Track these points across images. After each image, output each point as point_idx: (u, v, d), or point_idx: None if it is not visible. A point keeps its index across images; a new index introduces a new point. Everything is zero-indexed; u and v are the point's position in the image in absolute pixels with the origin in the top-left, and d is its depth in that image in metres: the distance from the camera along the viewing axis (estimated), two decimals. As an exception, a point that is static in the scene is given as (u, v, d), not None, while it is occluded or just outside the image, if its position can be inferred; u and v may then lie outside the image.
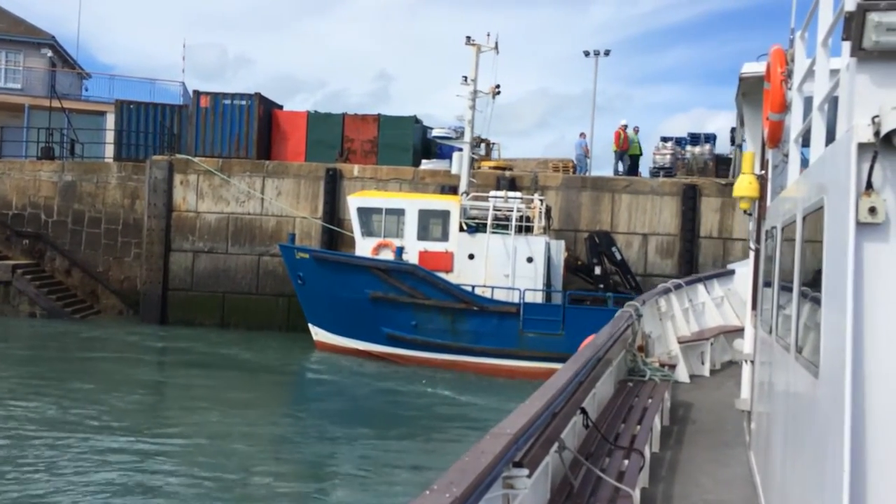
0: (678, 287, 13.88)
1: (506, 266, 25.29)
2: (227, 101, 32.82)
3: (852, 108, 3.17)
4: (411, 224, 26.37)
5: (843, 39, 3.24)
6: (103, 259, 33.29)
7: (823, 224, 3.61)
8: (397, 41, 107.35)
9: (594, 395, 7.45)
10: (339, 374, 24.25)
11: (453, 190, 28.52)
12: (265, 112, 33.31)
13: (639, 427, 7.25)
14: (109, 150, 35.59)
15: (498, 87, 27.87)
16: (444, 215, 26.25)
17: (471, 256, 25.66)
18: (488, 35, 27.73)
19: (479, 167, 31.61)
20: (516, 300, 24.38)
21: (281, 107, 35.34)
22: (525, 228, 25.64)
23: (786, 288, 5.11)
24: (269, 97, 34.18)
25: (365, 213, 26.91)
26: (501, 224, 25.73)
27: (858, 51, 3.09)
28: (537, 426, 4.48)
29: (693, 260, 29.06)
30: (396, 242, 26.02)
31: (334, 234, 30.85)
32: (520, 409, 4.57)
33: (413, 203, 26.80)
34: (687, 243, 28.96)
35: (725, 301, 15.29)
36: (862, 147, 3.05)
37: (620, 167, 31.58)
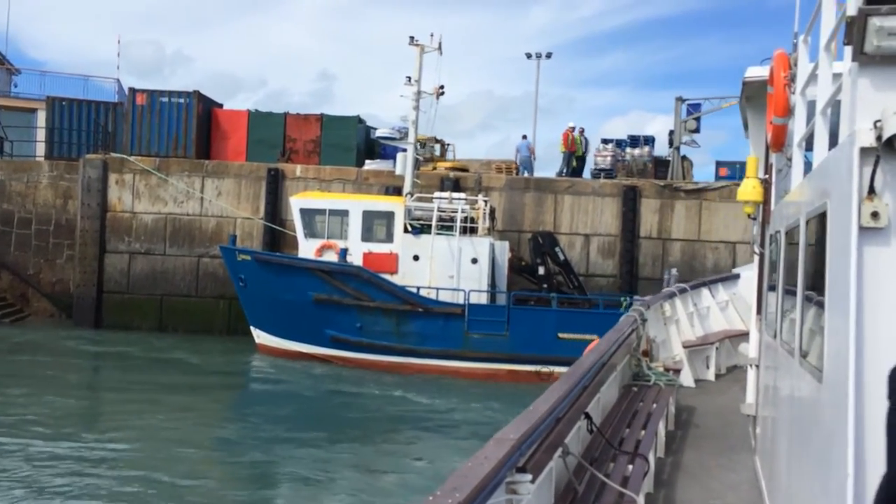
0: (683, 291, 13.70)
1: (450, 267, 25.32)
2: (165, 99, 32.06)
3: (854, 112, 3.17)
4: (355, 225, 26.18)
5: (845, 44, 3.23)
6: (34, 261, 32.13)
7: (826, 228, 3.60)
8: (340, 41, 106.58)
9: (598, 400, 7.42)
10: (282, 377, 23.93)
11: (397, 191, 28.43)
12: (204, 110, 32.65)
13: (643, 432, 7.22)
14: (41, 149, 34.37)
15: (442, 87, 27.89)
16: (389, 216, 26.14)
17: (415, 258, 25.61)
18: (431, 35, 27.75)
19: (434, 168, 31.68)
20: (461, 301, 24.43)
21: (221, 105, 34.70)
22: (469, 229, 25.71)
23: (790, 292, 5.08)
24: (209, 96, 33.50)
25: (308, 214, 26.60)
26: (446, 225, 25.75)
27: (860, 55, 3.09)
28: (541, 431, 4.45)
29: (633, 260, 29.58)
30: (340, 244, 25.79)
31: (276, 235, 30.42)
32: (523, 415, 4.51)
33: (357, 204, 26.62)
34: (627, 244, 29.45)
35: (730, 305, 15.18)
36: (864, 151, 3.05)
37: (568, 168, 31.91)
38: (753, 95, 8.70)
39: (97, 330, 29.85)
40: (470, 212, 26.04)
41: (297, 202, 26.96)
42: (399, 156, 27.82)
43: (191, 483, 14.01)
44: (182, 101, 32.04)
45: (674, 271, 26.24)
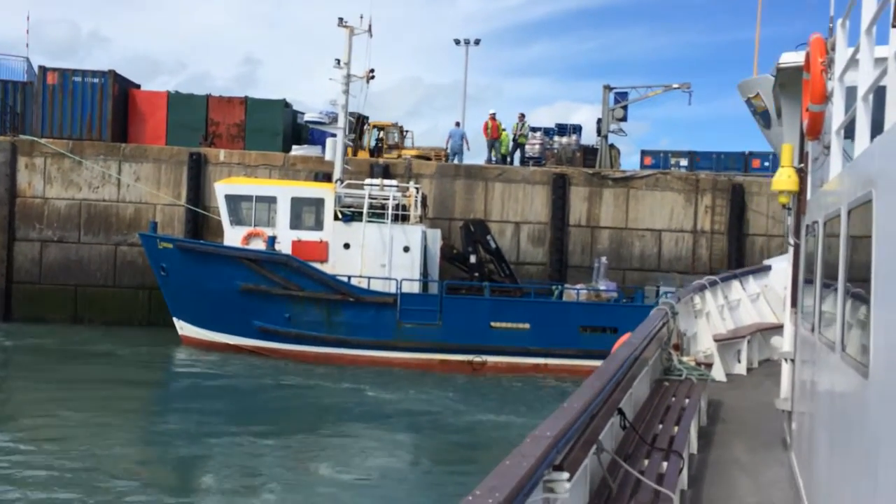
0: (713, 284, 13.33)
1: (382, 256, 24.94)
2: (78, 79, 30.45)
3: None
4: (283, 212, 25.50)
5: (894, 26, 3.08)
6: (-65, 249, 30.13)
7: (872, 218, 3.43)
8: (264, 24, 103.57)
9: (631, 396, 7.23)
10: (207, 370, 23.13)
11: (327, 177, 27.81)
12: (121, 91, 31.18)
13: (676, 428, 7.04)
14: (-59, 130, 32.19)
15: (372, 71, 27.36)
16: (319, 203, 25.54)
17: (346, 246, 25.12)
18: (361, 17, 27.14)
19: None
20: (393, 290, 24.09)
21: (138, 86, 33.22)
22: (401, 217, 25.35)
23: (829, 284, 4.91)
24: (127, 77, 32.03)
25: (233, 200, 25.75)
26: (377, 213, 25.33)
27: None
28: (576, 428, 4.35)
29: (563, 248, 29.80)
30: (268, 231, 25.07)
31: (200, 222, 29.37)
32: (559, 412, 4.42)
33: (285, 190, 25.91)
34: (557, 231, 29.63)
35: (761, 297, 14.86)
36: None
37: (494, 156, 31.82)
38: (787, 82, 8.45)
39: (7, 322, 28.26)
40: (402, 199, 25.68)
41: (222, 188, 26.05)
42: (329, 141, 27.17)
43: (114, 483, 13.33)
44: (96, 80, 30.50)
45: (603, 259, 26.56)
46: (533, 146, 33.11)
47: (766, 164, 34.01)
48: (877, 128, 3.84)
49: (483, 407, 19.86)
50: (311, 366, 23.56)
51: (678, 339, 10.66)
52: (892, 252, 3.03)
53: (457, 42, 39.30)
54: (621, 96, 32.79)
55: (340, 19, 27.01)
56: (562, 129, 34.10)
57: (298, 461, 15.32)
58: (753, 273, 15.35)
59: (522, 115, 32.34)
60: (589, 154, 32.64)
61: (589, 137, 34.52)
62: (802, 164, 7.92)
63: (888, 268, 3.12)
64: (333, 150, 26.82)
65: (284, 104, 32.47)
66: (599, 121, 33.01)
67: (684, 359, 10.28)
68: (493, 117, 31.92)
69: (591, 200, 30.01)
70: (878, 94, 3.83)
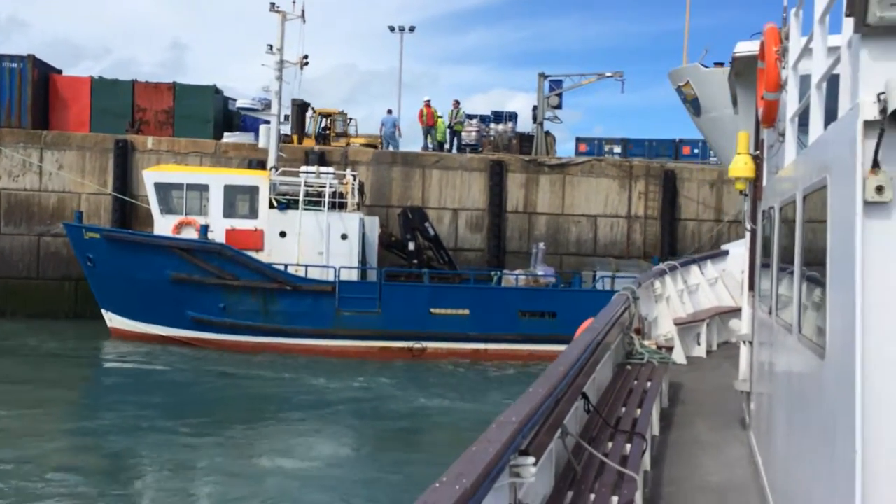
0: (673, 269, 13.55)
1: (320, 244, 24.57)
2: (-6, 63, 29.03)
3: (856, 85, 3.10)
4: (216, 200, 24.86)
5: (847, 15, 3.15)
6: None
7: (826, 204, 3.52)
8: (192, 8, 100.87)
9: (594, 380, 7.30)
10: (139, 362, 22.42)
11: (261, 164, 27.23)
12: (41, 76, 29.87)
13: (639, 410, 7.15)
14: None
15: (306, 57, 26.84)
16: (253, 191, 24.99)
17: (282, 234, 24.66)
18: (294, 2, 26.59)
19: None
20: (331, 279, 23.77)
21: (60, 71, 31.90)
22: (338, 205, 25.01)
23: (786, 268, 5.00)
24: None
25: (163, 188, 24.98)
26: (314, 200, 24.92)
27: (862, 27, 3.02)
28: (541, 413, 4.40)
29: (501, 234, 29.91)
30: (200, 220, 24.41)
31: (127, 211, 28.42)
32: (524, 397, 4.44)
33: (218, 178, 25.26)
34: (495, 217, 29.72)
35: (720, 281, 15.14)
36: (868, 125, 2.97)
37: (430, 143, 31.69)
38: (743, 71, 8.57)
39: (-80, 318, 26.83)
40: (339, 186, 25.32)
41: (151, 176, 25.24)
42: (262, 128, 26.59)
43: (45, 483, 12.76)
44: (14, 65, 29.15)
45: (541, 245, 26.75)
46: (469, 133, 33.14)
47: (696, 150, 34.89)
48: (830, 115, 3.91)
49: (424, 393, 19.78)
50: (248, 356, 23.08)
51: (640, 323, 10.80)
52: (846, 236, 3.11)
53: (391, 29, 39.00)
54: (556, 84, 33.06)
55: (272, 4, 26.42)
56: (498, 117, 34.22)
57: (239, 453, 14.96)
58: (712, 258, 15.59)
59: (457, 102, 32.27)
60: (525, 141, 32.85)
61: (525, 125, 34.80)
62: (758, 151, 8.03)
63: (842, 251, 3.19)
64: (267, 136, 26.26)
65: (215, 90, 31.66)
66: (535, 108, 33.23)
67: (646, 343, 10.42)
68: (428, 104, 31.77)
69: (528, 187, 30.19)
70: (832, 82, 3.90)
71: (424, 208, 28.34)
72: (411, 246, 26.22)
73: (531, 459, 3.97)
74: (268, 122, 26.56)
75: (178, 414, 17.43)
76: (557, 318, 24.14)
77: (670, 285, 13.04)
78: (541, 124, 32.69)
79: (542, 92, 32.74)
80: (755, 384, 7.44)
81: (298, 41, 26.92)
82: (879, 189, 2.96)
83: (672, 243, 30.81)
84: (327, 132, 32.15)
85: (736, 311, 11.27)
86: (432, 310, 23.96)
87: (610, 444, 5.98)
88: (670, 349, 11.10)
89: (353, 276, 24.38)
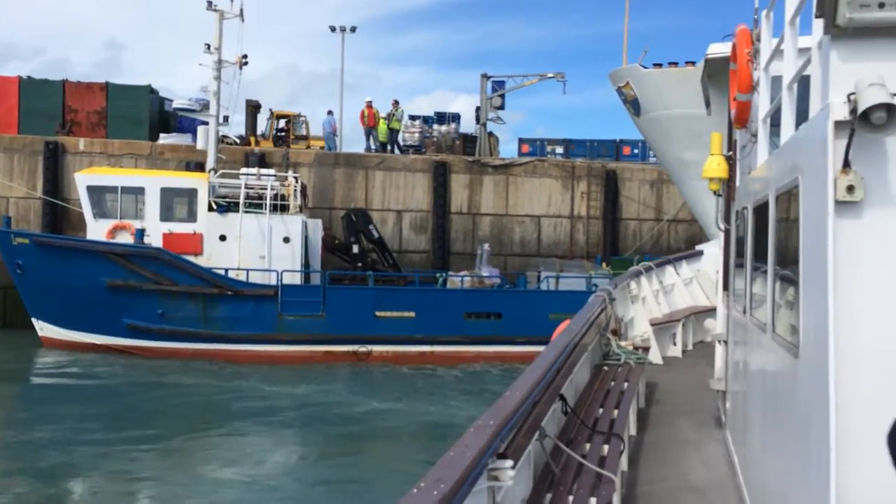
0: (648, 269, 13.58)
1: (261, 247, 24.07)
2: (-87, 61, 27.69)
3: (827, 86, 3.12)
4: (153, 204, 24.16)
5: (817, 17, 3.16)
6: None
7: (799, 203, 3.54)
8: (128, 7, 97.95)
9: (571, 381, 7.29)
10: (73, 372, 21.60)
11: (199, 167, 26.56)
12: (-36, 75, 28.61)
13: (616, 411, 7.13)
14: None
15: (245, 57, 26.28)
16: (191, 194, 24.35)
17: (222, 238, 24.08)
18: (232, 1, 26.01)
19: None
20: (273, 282, 23.30)
21: (-16, 70, 30.57)
22: (280, 207, 24.55)
23: (759, 268, 5.03)
24: (-31, 58, 29.44)
25: (97, 192, 24.16)
26: (255, 203, 24.41)
27: (832, 28, 3.03)
28: (519, 416, 4.39)
29: (445, 235, 29.80)
30: (136, 224, 23.67)
31: (59, 215, 27.42)
32: (502, 400, 4.41)
33: (154, 181, 24.54)
34: (439, 219, 29.60)
35: (694, 281, 15.18)
36: (838, 125, 2.99)
37: (373, 144, 31.38)
38: (715, 72, 8.61)
39: None
40: (280, 189, 24.85)
41: (84, 179, 24.38)
42: (200, 129, 25.94)
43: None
44: (-65, 63, 27.83)
45: (486, 246, 26.74)
46: (413, 134, 32.94)
47: (636, 151, 35.34)
48: (802, 116, 3.95)
49: (371, 397, 19.52)
50: (188, 363, 22.45)
51: (616, 324, 10.83)
52: (817, 236, 3.14)
53: (332, 29, 38.52)
54: (498, 85, 33.11)
55: (209, 2, 25.81)
56: (441, 118, 34.09)
57: (182, 465, 14.49)
58: (686, 258, 15.72)
59: (396, 102, 32.03)
60: (468, 142, 32.81)
61: (468, 126, 34.74)
62: (731, 152, 8.03)
63: (814, 251, 3.22)
64: (206, 138, 25.63)
65: (150, 90, 30.79)
66: (478, 109, 33.22)
67: (622, 343, 10.45)
68: (369, 105, 31.46)
69: (472, 188, 30.15)
70: (803, 82, 3.94)
71: (368, 210, 28.06)
72: (355, 248, 25.93)
73: (509, 462, 3.95)
74: (206, 123, 25.93)
75: (117, 426, 16.81)
76: (503, 318, 24.16)
77: (646, 286, 13.09)
78: (484, 125, 32.70)
79: (484, 93, 32.75)
80: (730, 383, 7.46)
81: (237, 40, 26.34)
82: (850, 189, 2.97)
83: (614, 243, 31.16)
84: (283, 134, 31.57)
85: (711, 311, 11.34)
86: (377, 313, 23.71)
87: (588, 446, 6.01)
88: (647, 349, 11.13)
89: (295, 279, 23.97)
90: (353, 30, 38.77)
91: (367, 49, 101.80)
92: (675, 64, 24.84)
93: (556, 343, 6.78)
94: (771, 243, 4.50)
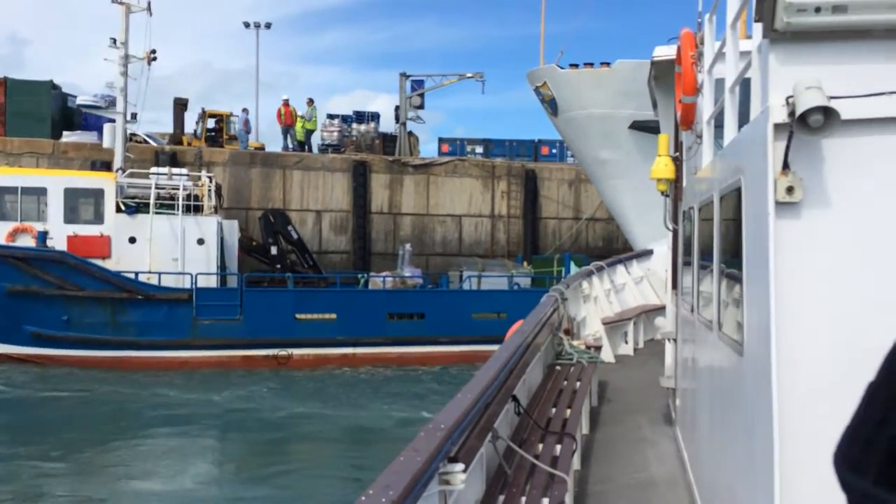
0: (600, 269, 13.66)
1: (174, 249, 23.14)
2: None
3: (766, 89, 3.18)
4: (56, 205, 22.94)
5: (756, 21, 3.23)
6: None
7: (742, 204, 3.61)
8: (31, 1, 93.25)
9: (524, 382, 7.29)
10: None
11: (106, 166, 25.35)
12: None
13: (569, 411, 7.16)
14: None
15: (153, 52, 25.24)
16: (97, 194, 23.21)
17: (132, 240, 23.04)
18: (139, -7, 24.94)
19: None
20: (187, 286, 22.44)
21: None
22: (194, 208, 23.66)
23: (705, 267, 5.10)
24: None
25: (-6, 192, 22.77)
26: (166, 204, 23.46)
27: (771, 32, 3.09)
28: (471, 418, 4.36)
29: (366, 236, 29.39)
30: (37, 227, 22.42)
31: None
32: (454, 402, 4.37)
33: (57, 181, 23.30)
34: (359, 219, 29.17)
35: (645, 280, 15.27)
36: (778, 127, 3.06)
37: (290, 143, 30.69)
38: (661, 75, 8.75)
39: None
40: (193, 189, 23.97)
41: (-20, 179, 22.93)
42: (107, 127, 24.79)
43: None
44: None
45: (407, 246, 26.50)
46: (331, 133, 32.40)
47: (555, 151, 35.71)
48: (744, 118, 4.02)
49: (293, 402, 18.98)
50: (97, 372, 21.35)
51: (569, 323, 10.87)
52: (759, 236, 3.21)
53: (247, 25, 37.59)
54: (418, 84, 32.90)
55: (115, -6, 24.70)
56: (360, 117, 33.65)
57: (94, 479, 13.68)
58: (637, 257, 15.83)
59: (311, 100, 31.43)
60: (388, 141, 32.50)
61: (387, 125, 34.41)
62: (678, 153, 8.13)
63: (756, 251, 3.29)
64: (112, 136, 24.50)
65: (52, 86, 29.28)
66: (397, 108, 32.93)
67: (575, 343, 10.48)
68: (286, 103, 30.77)
69: (392, 187, 29.85)
70: (744, 85, 4.03)
71: (286, 211, 27.40)
72: (273, 250, 25.27)
73: (460, 466, 3.91)
74: (113, 120, 24.80)
75: (23, 440, 15.80)
76: (426, 319, 23.95)
77: (598, 285, 13.18)
78: (403, 124, 32.44)
79: (403, 92, 32.49)
80: (680, 381, 7.56)
81: (145, 35, 25.27)
82: (790, 190, 3.03)
83: (534, 241, 31.40)
84: (213, 134, 30.53)
85: (661, 309, 11.44)
86: (297, 315, 23.14)
87: (541, 446, 6.01)
88: (599, 348, 11.19)
89: (211, 282, 23.14)
90: (269, 26, 37.97)
91: (284, 47, 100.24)
92: (591, 65, 25.18)
93: (508, 343, 6.72)
94: (716, 243, 4.55)
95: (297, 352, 23.11)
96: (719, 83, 5.14)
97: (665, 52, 8.50)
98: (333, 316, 23.39)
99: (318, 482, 13.25)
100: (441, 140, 34.97)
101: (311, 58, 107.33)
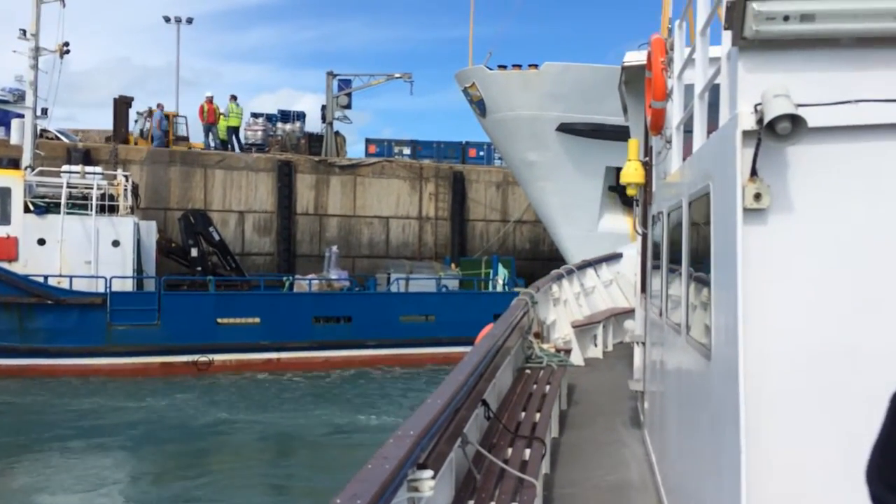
0: (570, 272, 13.69)
1: (87, 252, 22.07)
2: None
3: (735, 96, 3.20)
4: (-42, 204, 21.59)
5: (725, 28, 3.26)
6: None
7: (710, 209, 3.64)
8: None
9: (494, 386, 7.30)
10: None
11: (14, 163, 24.02)
12: None
13: (538, 414, 7.19)
14: None
15: (66, 45, 24.07)
16: (4, 193, 21.94)
17: (41, 242, 21.88)
18: (51, -17, 23.76)
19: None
20: (101, 290, 21.43)
21: None
22: (108, 208, 22.64)
23: (674, 271, 5.15)
24: None
25: None
26: (79, 204, 22.38)
27: (740, 40, 3.12)
28: (440, 424, 4.31)
29: (291, 237, 28.74)
30: (-63, 227, 21.07)
31: None
32: (423, 408, 4.32)
33: (-41, 179, 21.93)
34: (284, 220, 28.51)
35: (614, 283, 15.31)
36: (746, 134, 3.09)
37: (212, 142, 29.77)
38: (631, 80, 8.87)
39: None
40: (108, 188, 22.93)
41: None
42: (14, 122, 23.51)
43: None
44: None
45: (334, 248, 26.02)
46: (255, 132, 31.61)
47: (482, 153, 35.76)
48: (713, 123, 4.05)
49: (215, 409, 18.30)
50: (4, 382, 20.18)
51: (539, 327, 10.93)
52: (727, 242, 3.25)
53: (167, 20, 36.38)
54: (345, 84, 32.41)
55: (25, -17, 23.47)
56: (285, 116, 32.96)
57: (3, 495, 12.80)
58: (607, 261, 15.88)
59: (234, 97, 30.61)
60: (314, 141, 31.91)
61: (314, 125, 33.79)
62: (648, 158, 8.24)
63: (724, 257, 3.33)
64: (21, 132, 23.25)
65: (-47, 78, 27.63)
66: (324, 107, 32.36)
67: (544, 346, 10.51)
68: (210, 101, 29.83)
69: (318, 188, 29.29)
70: (714, 91, 4.04)
71: (207, 211, 26.54)
72: (194, 252, 24.41)
73: (429, 472, 3.87)
74: (21, 115, 23.53)
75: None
76: (353, 322, 23.53)
77: (567, 289, 13.24)
78: (330, 124, 31.89)
79: (330, 91, 31.94)
80: (648, 384, 7.63)
81: (58, 27, 24.10)
82: (757, 196, 3.07)
83: (462, 244, 31.31)
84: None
85: (630, 312, 11.53)
86: (219, 320, 22.39)
87: (510, 450, 6.03)
88: (568, 352, 11.25)
89: (127, 286, 22.16)
90: (190, 21, 36.85)
91: (207, 44, 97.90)
92: (519, 66, 25.23)
93: (478, 347, 6.72)
94: (685, 248, 4.62)
95: (218, 358, 22.35)
96: (689, 89, 5.19)
97: (636, 57, 8.64)
98: (257, 320, 22.74)
99: (240, 492, 12.73)
100: (368, 141, 34.59)
101: (235, 55, 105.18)
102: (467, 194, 31.72)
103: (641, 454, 7.43)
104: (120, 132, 28.77)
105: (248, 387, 20.91)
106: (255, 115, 32.21)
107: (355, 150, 34.59)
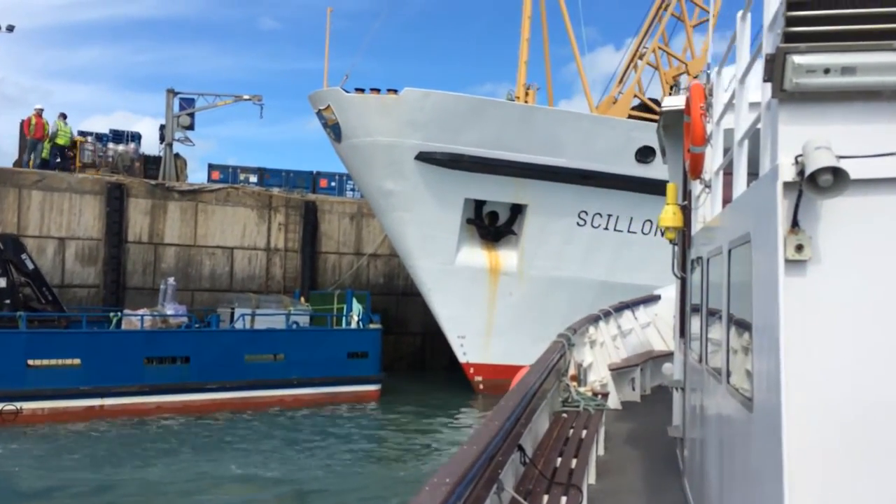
0: (607, 314, 13.71)
1: None
2: None
3: (776, 147, 3.23)
4: None
5: (765, 81, 3.28)
6: None
7: (752, 258, 3.65)
8: None
9: (531, 430, 7.34)
10: None
11: None
12: None
13: (575, 460, 7.16)
14: None
15: None
16: None
17: None
18: None
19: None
20: None
21: None
22: None
23: (714, 317, 5.13)
24: None
25: None
26: None
27: (780, 92, 3.15)
28: (476, 470, 4.23)
29: (120, 268, 25.89)
30: None
31: None
32: (460, 453, 4.28)
33: None
34: (113, 249, 25.65)
35: (652, 326, 15.31)
36: (787, 186, 3.10)
37: (35, 159, 26.41)
38: (670, 124, 9.07)
39: None
40: None
41: None
42: None
43: None
44: None
45: (170, 280, 23.58)
46: (83, 152, 28.51)
47: (333, 184, 34.27)
48: (753, 169, 4.01)
49: (19, 467, 15.51)
50: None
51: (576, 370, 10.89)
52: (768, 292, 3.25)
53: (-20, 24, 32.35)
54: (188, 103, 29.98)
55: None
56: (118, 136, 30.01)
57: None
58: (644, 303, 15.90)
59: (63, 115, 27.54)
60: (150, 164, 29.19)
61: (151, 147, 31.01)
62: (686, 202, 8.46)
63: (765, 308, 3.32)
64: None
65: None
66: (162, 127, 29.75)
67: (581, 389, 10.48)
68: (39, 114, 26.59)
69: (154, 214, 26.66)
70: (754, 137, 4.05)
71: (21, 237, 23.34)
72: (2, 282, 21.22)
73: None
74: None
75: None
76: (192, 362, 21.22)
77: (604, 331, 13.25)
78: (170, 145, 29.29)
79: (171, 109, 29.39)
80: (688, 430, 7.54)
81: None
82: (799, 248, 3.08)
83: (313, 277, 29.58)
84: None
85: (669, 355, 11.54)
86: (30, 361, 19.43)
87: (546, 497, 5.95)
88: (606, 395, 11.19)
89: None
90: (11, 29, 32.96)
91: (35, 60, 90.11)
92: (378, 91, 24.10)
93: (515, 391, 6.69)
94: (724, 295, 4.60)
95: (28, 406, 19.30)
96: (729, 134, 5.18)
97: (674, 102, 8.93)
98: (77, 362, 19.94)
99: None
100: (211, 167, 32.20)
101: (66, 74, 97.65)
102: (319, 226, 30.06)
103: (681, 502, 7.29)
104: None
105: (63, 440, 18.05)
106: (83, 134, 29.07)
107: (197, 177, 31.98)
